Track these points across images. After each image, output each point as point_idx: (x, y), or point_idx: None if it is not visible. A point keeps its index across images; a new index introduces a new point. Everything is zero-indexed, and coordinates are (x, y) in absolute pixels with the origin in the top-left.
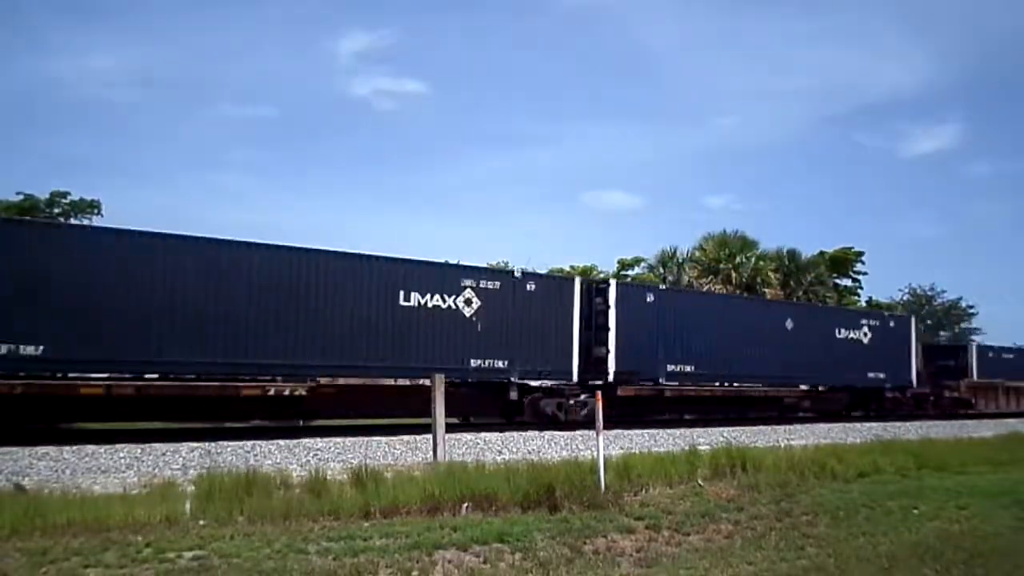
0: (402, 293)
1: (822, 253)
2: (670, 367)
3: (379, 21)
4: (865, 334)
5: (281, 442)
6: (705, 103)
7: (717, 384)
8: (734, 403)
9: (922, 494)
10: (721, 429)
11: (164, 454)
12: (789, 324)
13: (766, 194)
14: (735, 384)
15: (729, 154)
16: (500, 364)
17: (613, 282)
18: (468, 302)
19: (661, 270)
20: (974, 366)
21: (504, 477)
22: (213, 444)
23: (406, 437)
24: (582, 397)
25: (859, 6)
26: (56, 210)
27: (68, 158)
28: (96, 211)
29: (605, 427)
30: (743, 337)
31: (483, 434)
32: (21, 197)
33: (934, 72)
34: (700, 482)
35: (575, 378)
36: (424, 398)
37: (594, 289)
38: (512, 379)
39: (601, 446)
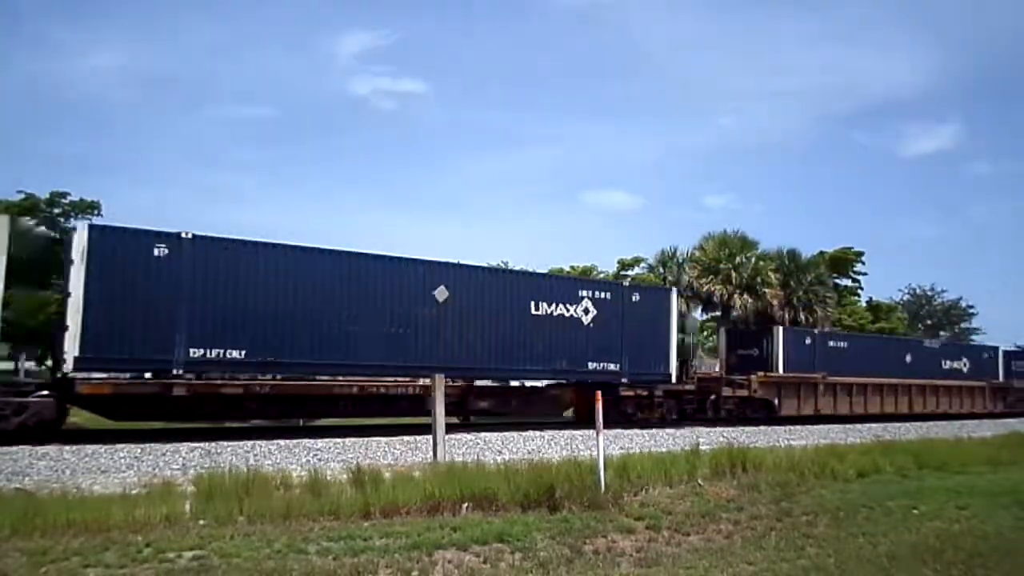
0: None
1: (822, 253)
2: (196, 352)
3: (379, 21)
4: (586, 310)
5: (281, 442)
6: (705, 103)
7: (299, 378)
8: (327, 402)
9: (922, 494)
10: (721, 429)
11: (164, 454)
12: (441, 294)
13: (766, 194)
14: (334, 377)
15: (729, 154)
16: None
17: (83, 225)
18: None
19: (661, 270)
20: (779, 356)
21: (504, 477)
22: (213, 444)
23: (406, 437)
24: (33, 396)
25: (859, 6)
26: (56, 210)
27: (68, 157)
28: (96, 211)
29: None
30: (350, 311)
31: (483, 434)
32: (22, 196)
33: (934, 72)
34: (700, 482)
35: None
36: None
37: (72, 239)
38: None
39: (601, 446)
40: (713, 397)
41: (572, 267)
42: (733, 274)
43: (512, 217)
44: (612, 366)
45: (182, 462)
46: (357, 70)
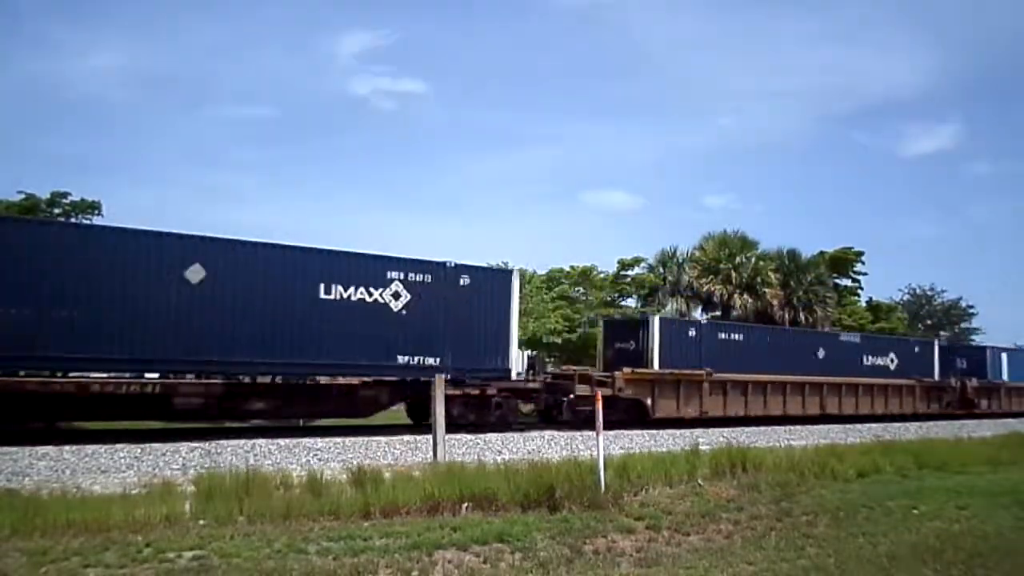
0: None
1: (822, 253)
2: None
3: (379, 21)
4: (396, 295)
5: (281, 442)
6: (705, 103)
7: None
8: (49, 404)
9: (922, 494)
10: (721, 429)
11: (164, 454)
12: (195, 274)
13: (766, 194)
14: (53, 374)
15: (729, 154)
16: None
17: None
18: None
19: (661, 270)
20: (655, 350)
21: (504, 477)
22: (213, 444)
23: (406, 437)
24: None
25: (859, 6)
26: (56, 210)
27: (68, 157)
28: (97, 212)
29: None
30: (65, 293)
31: (483, 434)
32: (22, 196)
33: (934, 72)
34: (700, 482)
35: None
36: None
37: None
38: None
39: (601, 446)
40: (571, 397)
41: (572, 267)
42: (733, 274)
43: (512, 217)
44: (431, 360)
45: (182, 462)
46: (357, 70)
